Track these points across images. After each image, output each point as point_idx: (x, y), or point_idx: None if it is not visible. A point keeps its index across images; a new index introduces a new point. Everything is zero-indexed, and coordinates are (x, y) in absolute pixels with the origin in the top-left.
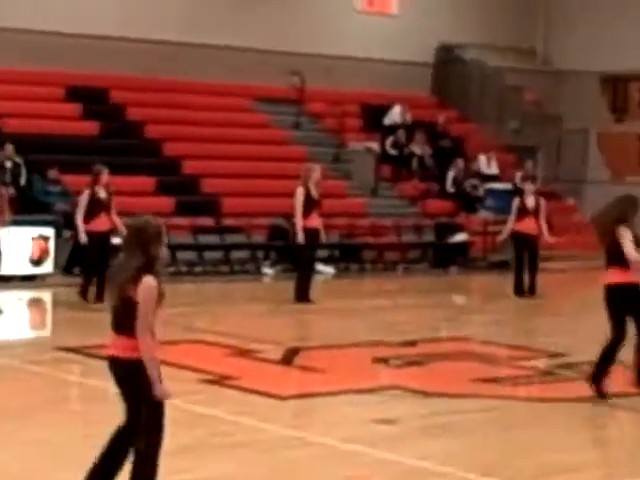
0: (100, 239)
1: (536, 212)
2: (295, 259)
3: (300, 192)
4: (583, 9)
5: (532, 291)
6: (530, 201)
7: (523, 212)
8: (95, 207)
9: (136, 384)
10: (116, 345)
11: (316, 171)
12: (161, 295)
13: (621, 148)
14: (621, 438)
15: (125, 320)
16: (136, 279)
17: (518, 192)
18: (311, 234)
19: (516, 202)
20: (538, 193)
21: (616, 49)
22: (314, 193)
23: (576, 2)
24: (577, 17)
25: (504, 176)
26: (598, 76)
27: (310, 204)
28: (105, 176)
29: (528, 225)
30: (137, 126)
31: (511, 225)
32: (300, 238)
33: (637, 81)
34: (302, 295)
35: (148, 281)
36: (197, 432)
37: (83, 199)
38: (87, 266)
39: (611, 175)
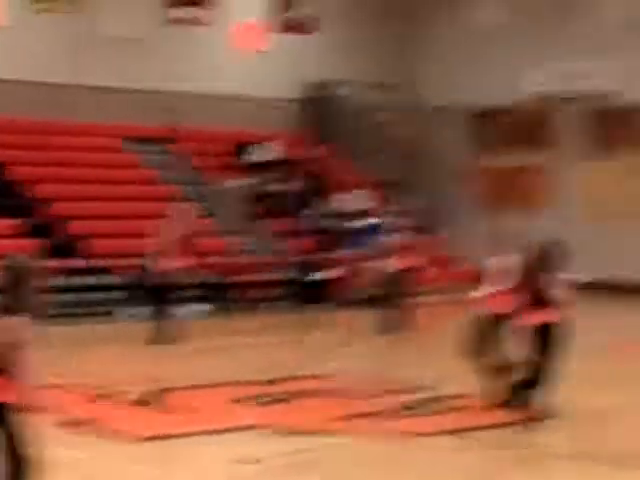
0: None
1: (405, 247)
2: (159, 299)
3: (166, 232)
4: (453, 45)
5: (399, 327)
6: (398, 236)
7: (394, 247)
8: None
9: (8, 427)
10: None
11: (184, 211)
12: (39, 336)
13: (491, 182)
14: (486, 472)
15: None
16: (6, 321)
17: (386, 228)
18: (176, 274)
19: (384, 238)
20: (407, 228)
21: (483, 85)
22: (181, 233)
23: (444, 39)
24: (447, 53)
25: (373, 212)
26: (468, 111)
27: (177, 244)
28: None
29: (397, 261)
30: (3, 167)
31: (379, 261)
32: (163, 278)
33: (504, 115)
34: (165, 336)
35: (19, 321)
36: (58, 477)
37: None
38: None
39: (482, 209)
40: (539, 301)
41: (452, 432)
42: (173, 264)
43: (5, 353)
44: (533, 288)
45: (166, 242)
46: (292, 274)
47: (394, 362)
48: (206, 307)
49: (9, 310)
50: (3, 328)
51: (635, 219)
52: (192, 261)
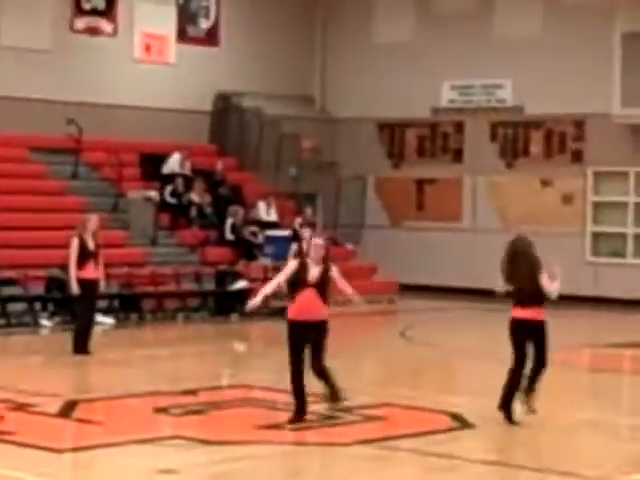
0: None
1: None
2: (72, 311)
3: (75, 243)
4: (360, 58)
5: None
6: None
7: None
8: None
9: None
10: None
11: (91, 221)
12: None
13: (398, 193)
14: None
15: None
16: None
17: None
18: (87, 285)
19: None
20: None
21: (393, 97)
22: (90, 244)
23: (352, 51)
24: (354, 65)
25: (283, 223)
26: (375, 123)
27: (86, 255)
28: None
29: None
30: None
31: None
32: (74, 289)
33: (414, 127)
34: (80, 347)
35: None
36: None
37: None
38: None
39: (389, 220)
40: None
41: (369, 441)
42: (86, 274)
43: None
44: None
45: (74, 253)
46: (208, 285)
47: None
48: (115, 318)
49: None
50: None
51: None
52: (101, 272)
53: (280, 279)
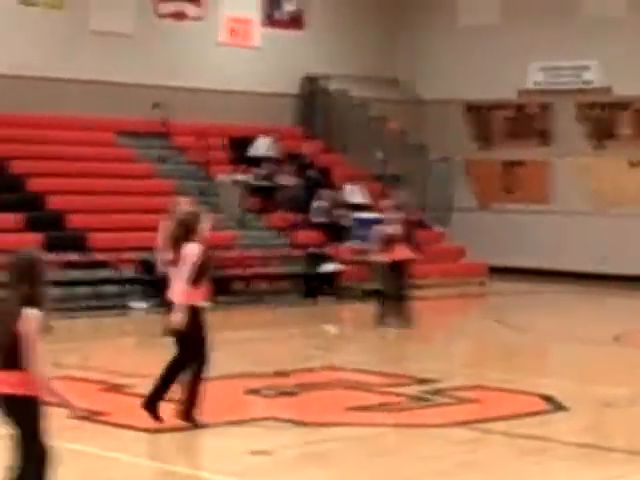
0: None
1: (405, 240)
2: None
3: (165, 226)
4: (446, 39)
5: (406, 321)
6: (398, 229)
7: (391, 240)
8: None
9: (26, 422)
10: (2, 381)
11: (182, 205)
12: (48, 329)
13: (486, 176)
14: (491, 462)
15: (11, 356)
16: (19, 312)
17: (385, 221)
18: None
19: (382, 230)
20: (406, 221)
21: (479, 78)
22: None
23: (439, 33)
24: (440, 47)
25: (372, 205)
26: (462, 105)
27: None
28: None
29: (397, 253)
30: (0, 162)
31: (379, 254)
32: (161, 270)
33: (501, 109)
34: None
35: (30, 312)
36: (71, 469)
37: None
38: None
39: (477, 202)
40: None
41: (462, 424)
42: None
43: (25, 346)
44: None
45: (165, 236)
46: (298, 267)
47: (398, 355)
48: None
49: (28, 302)
50: (28, 320)
51: (633, 209)
52: None
53: None
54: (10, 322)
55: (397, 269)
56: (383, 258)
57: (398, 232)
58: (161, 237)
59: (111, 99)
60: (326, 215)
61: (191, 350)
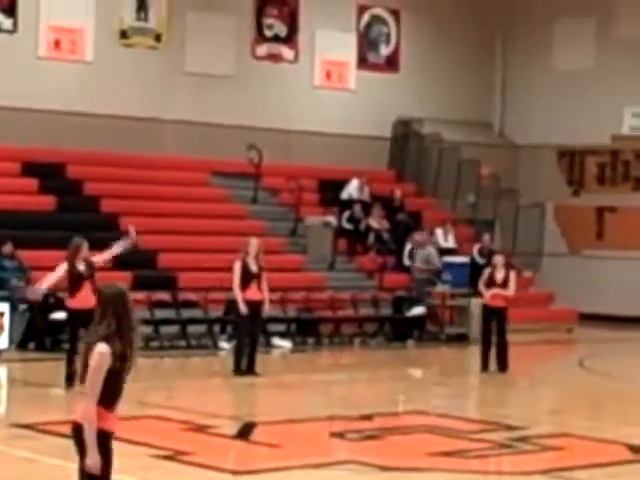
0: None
1: (504, 284)
2: (245, 332)
3: (237, 265)
4: (540, 83)
5: (503, 367)
6: (500, 273)
7: (492, 284)
8: (77, 281)
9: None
10: (78, 412)
11: (252, 244)
12: (129, 366)
13: (578, 221)
14: None
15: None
16: (93, 346)
17: (484, 265)
18: (249, 306)
19: (485, 274)
20: (508, 265)
21: (573, 123)
22: (252, 266)
23: (532, 78)
24: (533, 92)
25: (461, 249)
26: (555, 150)
27: (248, 277)
28: (85, 249)
29: (497, 298)
30: (94, 201)
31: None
32: (242, 310)
33: (594, 155)
34: (240, 368)
35: (100, 348)
36: None
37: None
38: (71, 342)
39: (568, 248)
40: None
41: (546, 472)
42: (249, 296)
43: (105, 380)
44: None
45: (237, 276)
46: (386, 310)
47: (484, 400)
48: (293, 342)
49: (104, 337)
50: (94, 354)
51: None
52: (265, 294)
53: None
54: (87, 356)
55: (496, 314)
56: (485, 302)
57: (504, 277)
58: (235, 277)
59: (207, 139)
60: (423, 257)
61: None
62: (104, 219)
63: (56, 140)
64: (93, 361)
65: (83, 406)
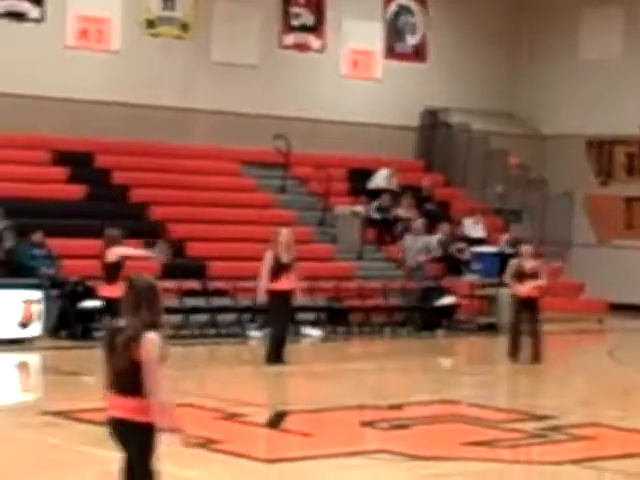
0: None
1: (533, 274)
2: (277, 321)
3: (268, 256)
4: (567, 73)
5: (537, 359)
6: (529, 263)
7: (522, 275)
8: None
9: (140, 447)
10: (118, 407)
11: (282, 234)
12: (163, 356)
13: (606, 211)
14: None
15: (129, 381)
16: (140, 338)
17: (513, 254)
18: (281, 296)
19: (513, 264)
20: (535, 255)
21: (601, 113)
22: (283, 256)
23: (559, 67)
24: (561, 81)
25: (490, 239)
26: (583, 140)
27: (279, 267)
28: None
29: (531, 289)
30: (123, 190)
31: (512, 288)
32: (260, 298)
33: (622, 145)
34: (273, 357)
35: (151, 337)
36: None
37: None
38: None
39: (597, 238)
40: None
41: (577, 461)
42: (280, 286)
43: (146, 372)
44: None
45: (267, 266)
46: (415, 299)
47: (515, 390)
48: (323, 331)
49: (149, 327)
50: (148, 344)
51: None
52: (296, 283)
53: None
54: (130, 348)
55: (530, 304)
56: (517, 292)
57: (533, 267)
58: (265, 266)
59: (235, 129)
60: (444, 248)
61: None
62: (133, 208)
63: (84, 129)
64: (149, 352)
65: (155, 400)
